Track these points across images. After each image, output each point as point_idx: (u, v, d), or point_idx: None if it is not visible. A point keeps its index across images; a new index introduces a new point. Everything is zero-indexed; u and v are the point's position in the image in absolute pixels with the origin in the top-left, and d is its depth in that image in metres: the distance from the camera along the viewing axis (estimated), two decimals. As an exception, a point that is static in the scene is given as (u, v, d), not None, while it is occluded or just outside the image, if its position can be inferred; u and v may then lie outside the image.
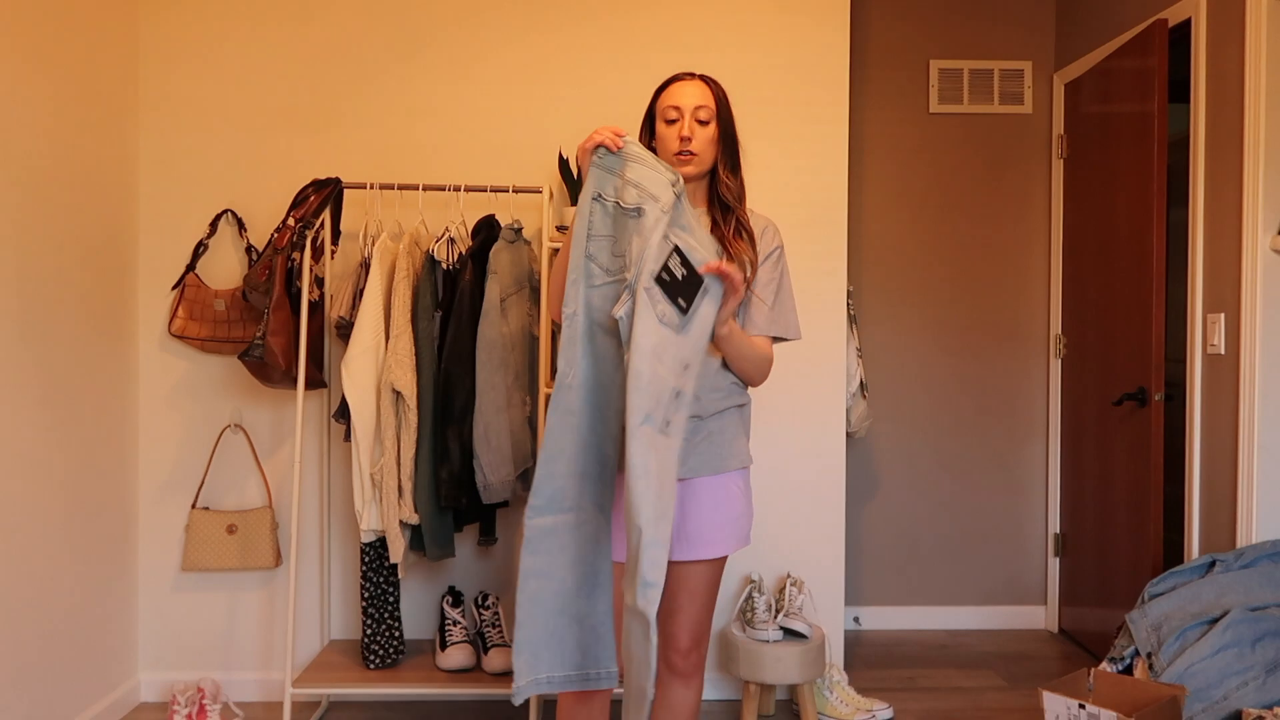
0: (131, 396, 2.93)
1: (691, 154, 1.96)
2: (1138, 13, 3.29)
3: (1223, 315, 2.81)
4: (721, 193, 1.98)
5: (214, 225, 2.95)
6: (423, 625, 3.01)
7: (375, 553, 2.73)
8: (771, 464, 3.01)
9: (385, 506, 2.57)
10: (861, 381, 3.27)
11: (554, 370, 2.67)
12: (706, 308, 1.80)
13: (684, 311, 1.77)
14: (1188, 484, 2.96)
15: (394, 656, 2.76)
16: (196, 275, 2.92)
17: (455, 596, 2.87)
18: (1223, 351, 2.81)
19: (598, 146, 1.84)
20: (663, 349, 1.75)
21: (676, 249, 1.78)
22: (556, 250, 2.68)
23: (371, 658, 2.74)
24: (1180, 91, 3.11)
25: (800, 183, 3.01)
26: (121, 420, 2.88)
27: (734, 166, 2.01)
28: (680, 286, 1.77)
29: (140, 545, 2.98)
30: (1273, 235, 2.67)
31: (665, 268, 1.76)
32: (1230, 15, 2.77)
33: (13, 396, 2.39)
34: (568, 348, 1.82)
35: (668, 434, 1.76)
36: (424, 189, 2.74)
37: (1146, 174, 3.08)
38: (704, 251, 1.81)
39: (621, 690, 1.87)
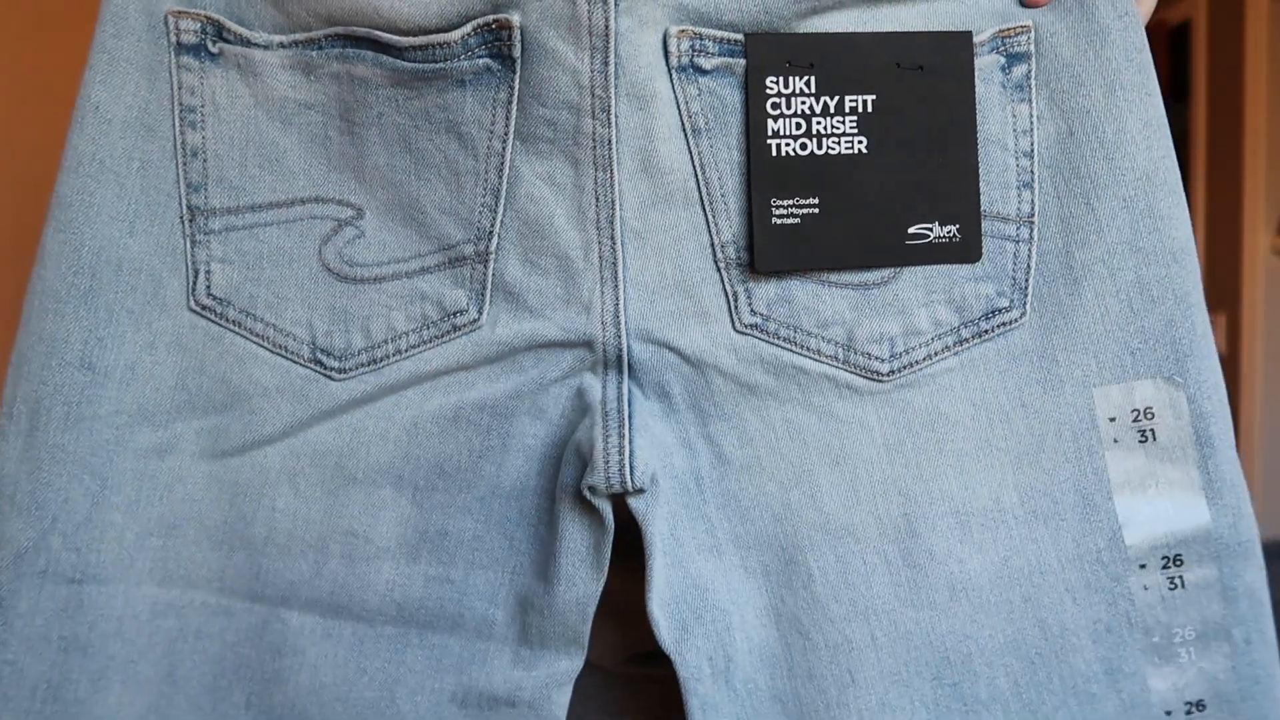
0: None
1: None
2: (1138, 13, 3.28)
3: (1223, 316, 2.81)
4: None
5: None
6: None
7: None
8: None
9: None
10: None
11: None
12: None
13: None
14: (1188, 484, 2.95)
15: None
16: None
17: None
18: (1223, 352, 2.81)
19: None
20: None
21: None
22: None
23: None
24: (1180, 91, 3.10)
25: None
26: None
27: None
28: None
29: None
30: (1273, 235, 2.67)
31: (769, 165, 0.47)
32: (1230, 15, 2.77)
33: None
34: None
35: None
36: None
37: (1147, 174, 3.07)
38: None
39: None
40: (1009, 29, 0.50)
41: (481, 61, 0.46)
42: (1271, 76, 2.65)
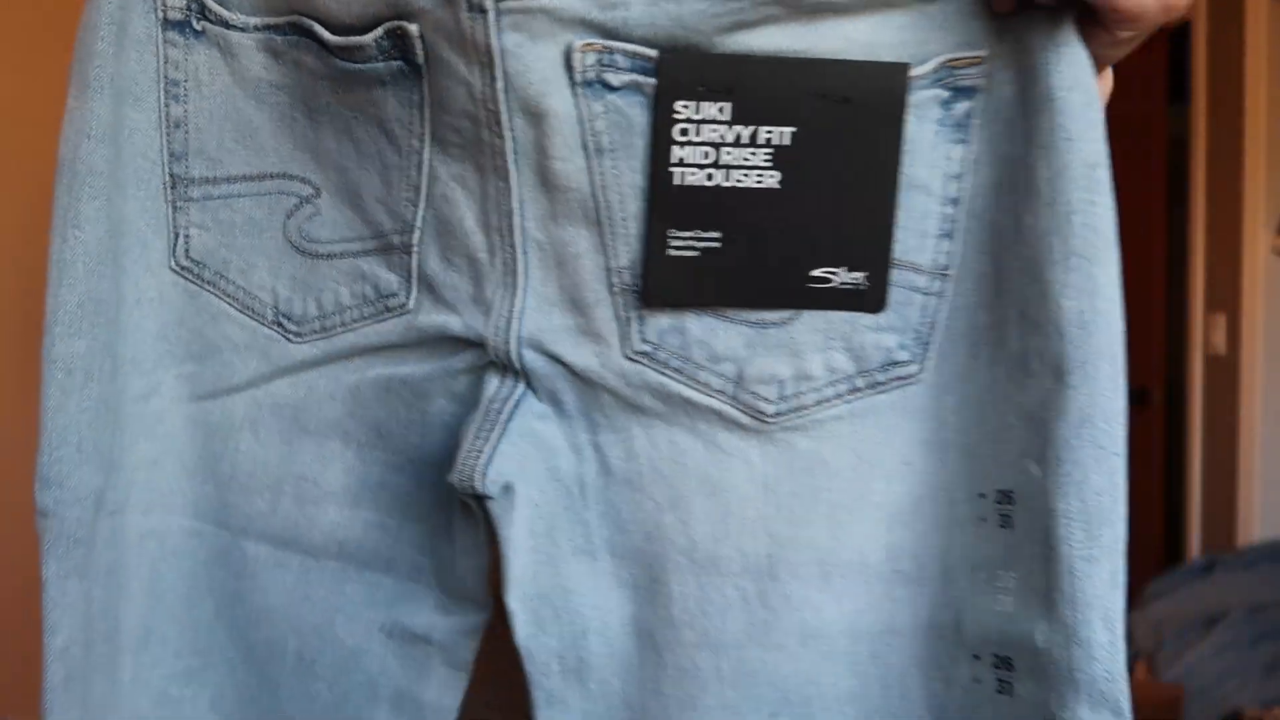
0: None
1: None
2: (1138, 13, 3.28)
3: (1223, 316, 2.81)
4: None
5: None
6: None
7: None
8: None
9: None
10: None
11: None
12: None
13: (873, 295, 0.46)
14: (1188, 484, 2.95)
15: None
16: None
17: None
18: (1224, 352, 2.81)
19: None
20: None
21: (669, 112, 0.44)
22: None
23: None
24: (1180, 91, 3.11)
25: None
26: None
27: None
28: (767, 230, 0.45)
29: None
30: (1273, 235, 2.67)
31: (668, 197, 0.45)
32: (1230, 15, 2.77)
33: (14, 397, 2.39)
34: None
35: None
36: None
37: (1146, 174, 3.08)
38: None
39: None
40: (961, 58, 0.45)
41: (396, 64, 0.47)
42: (1271, 76, 2.65)
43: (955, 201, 0.46)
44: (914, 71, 0.44)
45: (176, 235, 0.53)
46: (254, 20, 0.49)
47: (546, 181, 0.46)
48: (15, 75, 2.41)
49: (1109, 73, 0.50)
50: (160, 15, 0.50)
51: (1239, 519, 2.71)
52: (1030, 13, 0.44)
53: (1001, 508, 0.46)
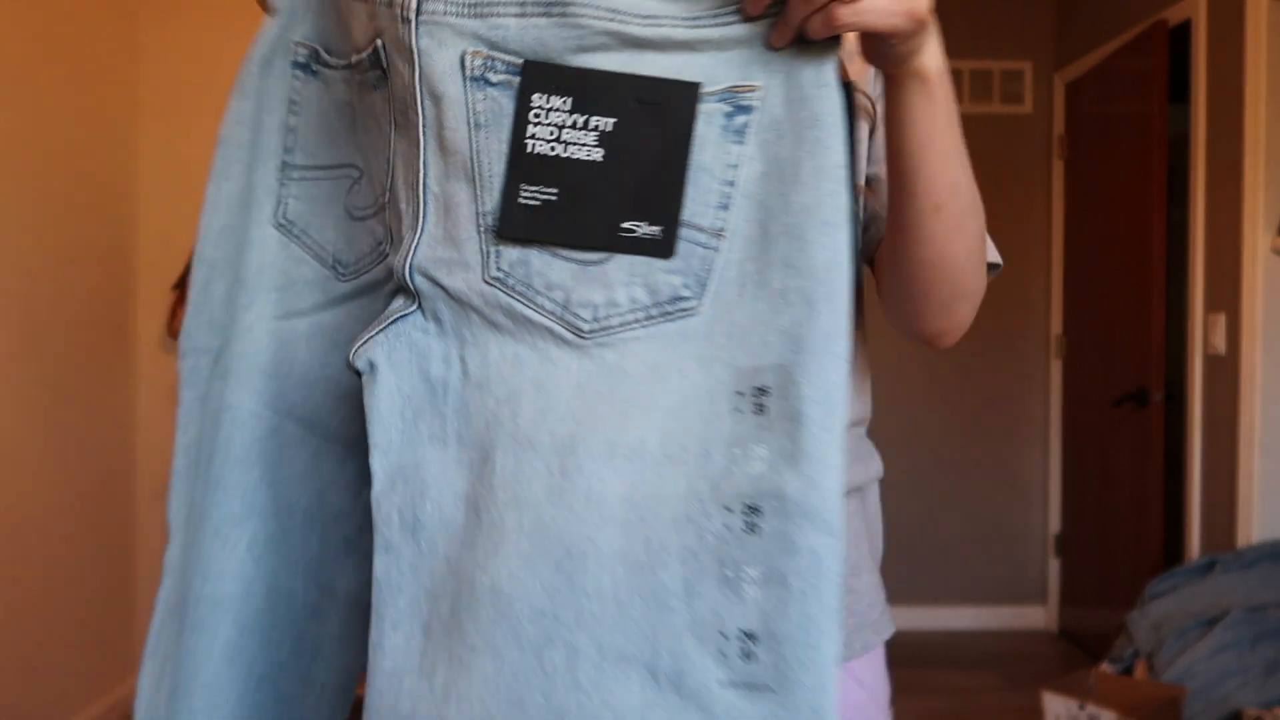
0: (131, 396, 2.93)
1: None
2: (1138, 13, 3.29)
3: (1223, 316, 2.81)
4: None
5: (214, 225, 2.95)
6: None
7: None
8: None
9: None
10: (861, 381, 3.25)
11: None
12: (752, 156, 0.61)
13: (666, 233, 0.61)
14: (1188, 484, 2.96)
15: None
16: (196, 275, 2.91)
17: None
18: (1223, 352, 2.81)
19: None
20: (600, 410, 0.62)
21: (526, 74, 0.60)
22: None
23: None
24: (1180, 91, 3.11)
25: (800, 183, 2.99)
26: (122, 420, 2.88)
27: None
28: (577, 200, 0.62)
29: (139, 545, 2.98)
30: (1273, 235, 2.67)
31: (518, 158, 0.61)
32: (1230, 15, 2.77)
33: (12, 395, 2.39)
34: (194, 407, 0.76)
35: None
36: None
37: (1146, 174, 3.08)
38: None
39: None
40: (742, 86, 0.61)
41: (377, 72, 0.66)
42: (1271, 76, 2.65)
43: (731, 184, 0.62)
44: (705, 89, 0.61)
45: (279, 202, 0.75)
46: (343, 61, 0.70)
47: (442, 147, 0.63)
48: (15, 77, 2.41)
49: (934, 47, 0.63)
50: (292, 58, 0.73)
51: (1239, 519, 2.71)
52: (803, 50, 0.60)
53: (756, 399, 0.61)
